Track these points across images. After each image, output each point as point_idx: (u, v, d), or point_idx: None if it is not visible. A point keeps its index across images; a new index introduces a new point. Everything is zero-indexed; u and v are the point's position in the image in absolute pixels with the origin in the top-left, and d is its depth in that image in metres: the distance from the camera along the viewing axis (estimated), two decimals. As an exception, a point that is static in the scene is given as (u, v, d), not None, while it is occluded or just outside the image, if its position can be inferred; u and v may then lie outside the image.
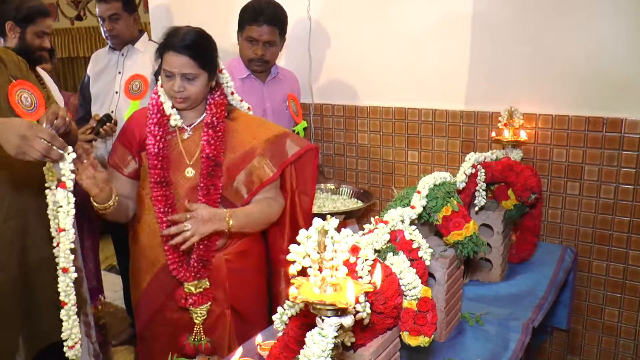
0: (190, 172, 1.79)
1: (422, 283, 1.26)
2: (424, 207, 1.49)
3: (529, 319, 1.69)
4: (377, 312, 1.17)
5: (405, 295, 1.20)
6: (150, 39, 2.91)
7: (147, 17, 3.43)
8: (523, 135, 2.18)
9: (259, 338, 1.47)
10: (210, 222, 1.66)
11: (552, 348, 2.45)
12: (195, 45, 1.68)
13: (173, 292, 1.81)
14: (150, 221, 1.82)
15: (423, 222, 1.53)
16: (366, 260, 1.14)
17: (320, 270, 0.86)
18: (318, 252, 0.85)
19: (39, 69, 2.57)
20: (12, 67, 1.94)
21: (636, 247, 2.16)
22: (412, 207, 1.41)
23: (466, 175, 1.77)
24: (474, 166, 1.81)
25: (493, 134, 2.26)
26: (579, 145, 2.19)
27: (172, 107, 1.77)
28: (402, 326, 1.19)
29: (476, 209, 1.85)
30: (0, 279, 1.93)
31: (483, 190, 1.82)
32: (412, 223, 1.39)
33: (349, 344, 1.14)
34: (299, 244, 0.87)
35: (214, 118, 1.80)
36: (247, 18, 2.34)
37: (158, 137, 1.77)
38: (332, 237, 0.84)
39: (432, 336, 1.20)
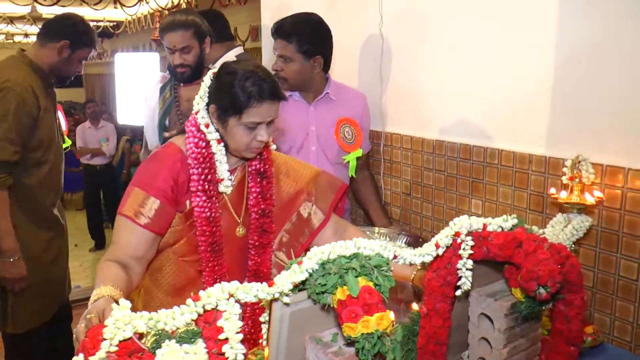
0: (241, 231, 1.60)
1: (222, 389, 0.94)
2: (314, 284, 1.12)
3: None
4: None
5: (173, 403, 0.90)
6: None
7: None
8: (589, 198, 1.53)
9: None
10: None
11: None
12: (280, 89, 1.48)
13: None
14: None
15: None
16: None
17: None
18: None
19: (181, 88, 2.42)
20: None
21: None
22: (270, 284, 1.07)
23: (438, 246, 1.31)
24: (456, 234, 1.32)
25: (552, 190, 1.64)
26: (686, 221, 1.45)
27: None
28: None
29: (458, 292, 1.35)
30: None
31: (467, 269, 1.32)
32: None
33: None
34: None
35: (266, 165, 1.58)
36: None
37: (214, 199, 1.49)
38: None
39: None
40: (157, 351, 0.91)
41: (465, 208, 2.12)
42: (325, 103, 2.28)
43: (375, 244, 1.19)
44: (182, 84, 2.43)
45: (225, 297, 1.00)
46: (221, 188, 1.52)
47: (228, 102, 1.43)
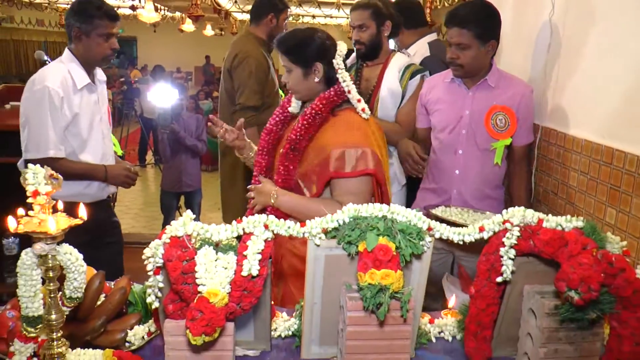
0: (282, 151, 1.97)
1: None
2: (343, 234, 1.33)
3: None
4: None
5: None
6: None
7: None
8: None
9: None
10: (261, 195, 1.91)
11: None
12: (287, 43, 1.91)
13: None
14: None
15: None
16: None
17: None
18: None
19: None
20: None
21: None
22: (302, 225, 1.31)
23: (482, 229, 1.36)
24: (504, 222, 1.35)
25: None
26: None
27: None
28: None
29: (498, 279, 1.37)
30: None
31: (510, 258, 1.34)
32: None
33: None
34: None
35: (313, 110, 1.88)
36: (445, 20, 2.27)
37: (280, 113, 2.07)
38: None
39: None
40: (198, 251, 1.25)
41: (600, 215, 1.96)
42: (483, 90, 2.29)
43: (411, 214, 1.32)
44: (364, 65, 2.71)
45: (261, 226, 1.29)
46: (290, 109, 2.05)
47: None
